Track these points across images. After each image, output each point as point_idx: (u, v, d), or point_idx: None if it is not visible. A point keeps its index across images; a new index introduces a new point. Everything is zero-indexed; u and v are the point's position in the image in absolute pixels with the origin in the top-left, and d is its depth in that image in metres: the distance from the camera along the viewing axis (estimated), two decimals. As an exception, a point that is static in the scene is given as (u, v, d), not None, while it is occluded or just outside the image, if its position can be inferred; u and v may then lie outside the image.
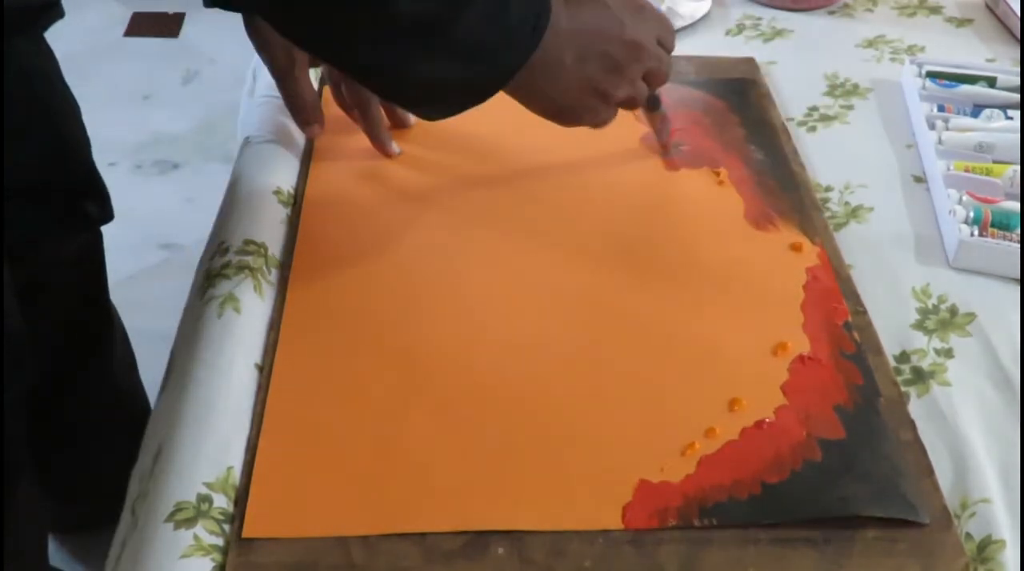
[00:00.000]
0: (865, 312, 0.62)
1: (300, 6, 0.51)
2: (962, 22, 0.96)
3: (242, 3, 0.62)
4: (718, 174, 0.73)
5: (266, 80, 0.79)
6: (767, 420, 0.55)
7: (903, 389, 0.58)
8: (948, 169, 0.72)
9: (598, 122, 0.63)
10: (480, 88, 0.55)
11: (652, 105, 0.71)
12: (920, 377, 0.58)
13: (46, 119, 0.77)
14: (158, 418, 0.58)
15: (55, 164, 0.79)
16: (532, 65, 0.55)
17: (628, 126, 0.76)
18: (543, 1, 0.55)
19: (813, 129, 0.80)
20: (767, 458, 0.53)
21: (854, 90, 0.85)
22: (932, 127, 0.77)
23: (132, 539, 0.51)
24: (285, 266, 0.65)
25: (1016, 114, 0.77)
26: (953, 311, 0.62)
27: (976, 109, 0.79)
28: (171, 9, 2.38)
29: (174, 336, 0.63)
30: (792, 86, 0.85)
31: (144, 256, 1.62)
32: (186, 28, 2.34)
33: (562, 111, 0.61)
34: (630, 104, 0.64)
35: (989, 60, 0.89)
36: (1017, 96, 0.80)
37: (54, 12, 0.74)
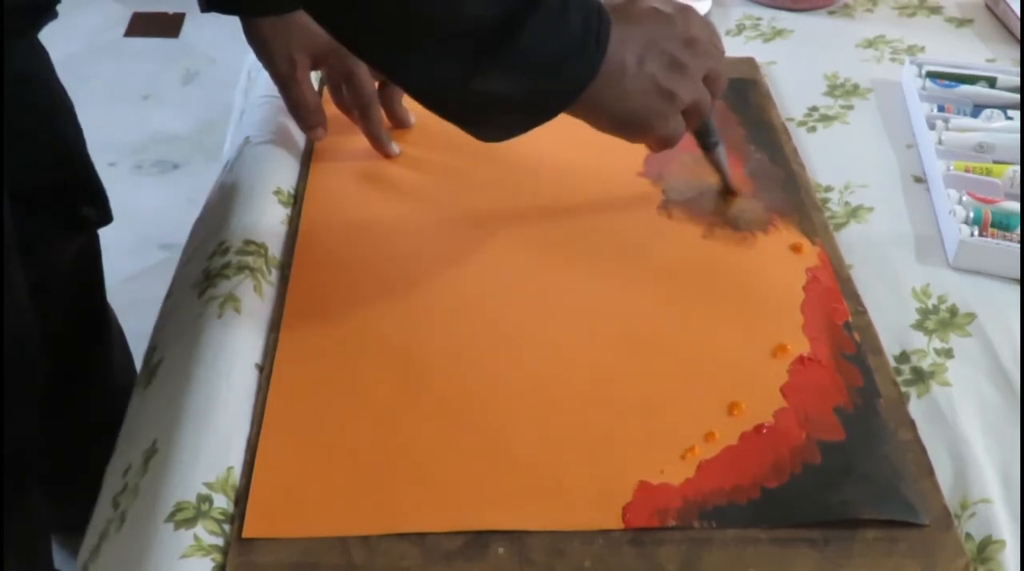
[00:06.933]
0: (865, 312, 0.62)
1: (353, 8, 0.48)
2: (962, 22, 0.96)
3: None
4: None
5: (264, 80, 0.79)
6: (766, 425, 0.55)
7: (903, 389, 0.58)
8: (948, 169, 0.72)
9: (668, 132, 0.59)
10: (547, 104, 0.53)
11: (710, 143, 0.68)
12: (920, 377, 0.58)
13: (42, 121, 0.77)
14: (145, 413, 0.58)
15: (52, 167, 0.79)
16: (598, 74, 0.52)
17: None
18: (599, 8, 0.52)
19: (813, 129, 0.80)
20: (766, 463, 0.53)
21: (854, 90, 0.85)
22: (932, 127, 0.77)
23: (123, 536, 0.51)
24: (285, 266, 0.65)
25: (1016, 114, 0.77)
26: (953, 311, 0.62)
27: (976, 109, 0.79)
28: (171, 9, 2.38)
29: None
30: (792, 86, 0.85)
31: (144, 256, 1.61)
32: (186, 28, 2.34)
33: (629, 121, 0.57)
34: (695, 113, 0.60)
35: (989, 60, 0.89)
36: (1017, 96, 0.80)
37: (48, 13, 0.73)
